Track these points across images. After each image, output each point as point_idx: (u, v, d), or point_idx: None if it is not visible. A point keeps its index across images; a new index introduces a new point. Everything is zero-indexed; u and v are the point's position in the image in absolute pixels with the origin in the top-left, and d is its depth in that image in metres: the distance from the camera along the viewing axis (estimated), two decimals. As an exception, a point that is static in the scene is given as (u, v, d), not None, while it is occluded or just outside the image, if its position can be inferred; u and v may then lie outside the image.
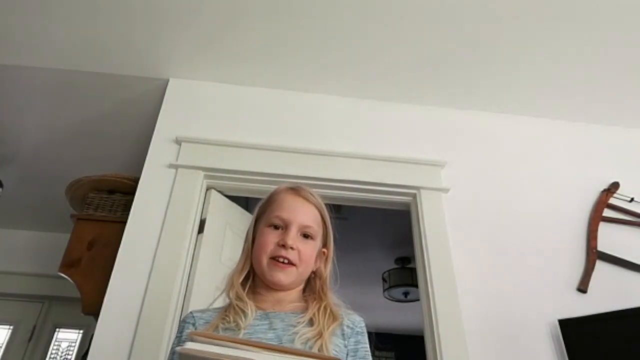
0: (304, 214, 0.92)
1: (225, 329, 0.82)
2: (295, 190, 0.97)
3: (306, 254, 0.90)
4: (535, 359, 1.50)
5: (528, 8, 1.63)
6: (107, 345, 1.36)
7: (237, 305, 0.86)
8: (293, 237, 0.89)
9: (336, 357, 0.54)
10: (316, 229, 0.93)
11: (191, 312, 0.92)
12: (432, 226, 1.70)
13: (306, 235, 0.91)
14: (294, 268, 0.88)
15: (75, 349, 3.01)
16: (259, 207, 0.99)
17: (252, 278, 0.93)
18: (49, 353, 2.96)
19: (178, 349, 0.57)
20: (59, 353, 3.00)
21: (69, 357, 2.99)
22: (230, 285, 0.90)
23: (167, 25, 1.74)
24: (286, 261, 0.88)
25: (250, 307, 0.84)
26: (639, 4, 1.61)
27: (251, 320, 0.83)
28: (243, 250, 0.97)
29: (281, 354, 0.56)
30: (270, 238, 0.90)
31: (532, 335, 1.53)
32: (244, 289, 0.90)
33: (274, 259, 0.88)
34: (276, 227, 0.91)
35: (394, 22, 1.71)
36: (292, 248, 0.88)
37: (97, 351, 1.35)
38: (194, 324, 0.88)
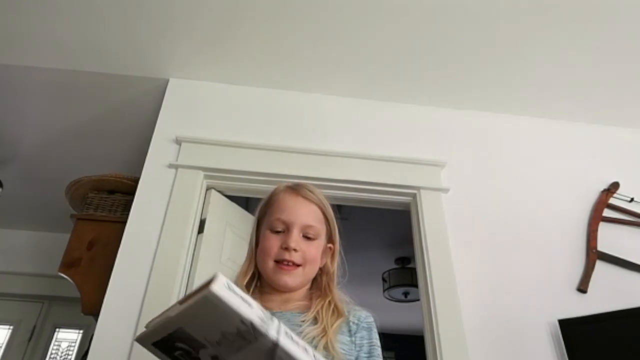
0: (305, 215, 0.91)
1: None
2: (295, 189, 0.96)
3: (310, 254, 0.90)
4: (535, 359, 1.50)
5: (528, 8, 1.63)
6: (107, 345, 1.36)
7: None
8: (295, 240, 0.88)
9: None
10: (318, 227, 0.92)
11: None
12: (432, 226, 1.70)
13: (309, 236, 0.91)
14: (299, 269, 0.88)
15: (75, 349, 3.01)
16: (260, 209, 0.98)
17: (259, 278, 0.93)
18: (49, 353, 2.96)
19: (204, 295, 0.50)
20: (59, 353, 2.99)
21: (69, 357, 2.99)
22: None
23: (167, 25, 1.74)
24: (291, 264, 0.87)
25: None
26: (639, 4, 1.61)
27: None
28: (247, 252, 0.96)
29: None
30: (273, 242, 0.89)
31: (532, 335, 1.53)
32: (250, 290, 0.89)
33: (279, 262, 0.88)
34: (278, 230, 0.90)
35: (394, 22, 1.70)
36: (295, 250, 0.87)
37: (97, 351, 1.35)
38: None
